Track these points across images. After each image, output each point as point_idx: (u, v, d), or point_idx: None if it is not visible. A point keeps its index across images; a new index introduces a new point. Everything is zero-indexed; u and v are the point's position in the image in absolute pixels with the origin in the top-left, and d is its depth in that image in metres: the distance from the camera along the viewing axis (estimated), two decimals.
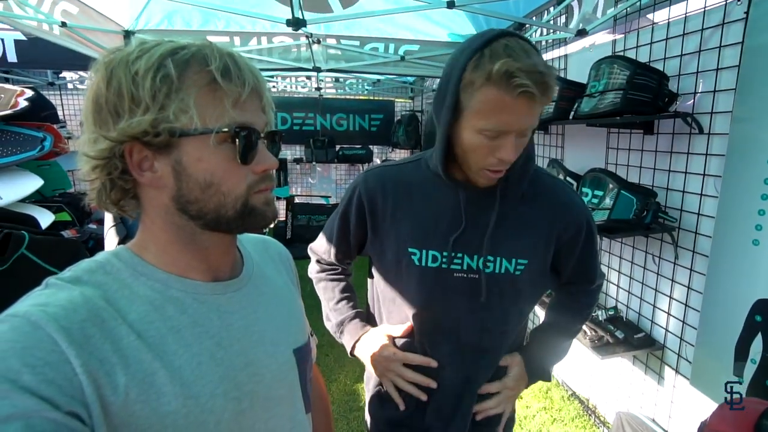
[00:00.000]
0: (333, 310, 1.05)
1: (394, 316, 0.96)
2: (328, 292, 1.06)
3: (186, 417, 0.48)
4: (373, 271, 1.00)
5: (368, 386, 1.06)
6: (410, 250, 0.88)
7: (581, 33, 2.09)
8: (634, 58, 1.73)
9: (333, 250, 1.03)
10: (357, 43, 3.13)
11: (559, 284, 0.99)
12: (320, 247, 1.07)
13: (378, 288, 1.00)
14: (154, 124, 0.48)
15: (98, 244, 3.95)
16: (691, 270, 1.60)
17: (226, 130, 0.51)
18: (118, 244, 2.02)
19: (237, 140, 0.51)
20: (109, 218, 2.08)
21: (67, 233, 2.52)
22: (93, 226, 4.32)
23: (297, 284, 0.78)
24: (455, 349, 0.91)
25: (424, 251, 0.87)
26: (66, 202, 2.77)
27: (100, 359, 0.45)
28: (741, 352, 1.31)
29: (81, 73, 4.91)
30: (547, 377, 1.03)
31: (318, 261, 1.10)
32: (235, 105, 0.51)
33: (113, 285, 0.51)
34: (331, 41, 3.09)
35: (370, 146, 5.88)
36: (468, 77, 0.72)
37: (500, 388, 0.95)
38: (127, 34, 2.61)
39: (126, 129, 0.48)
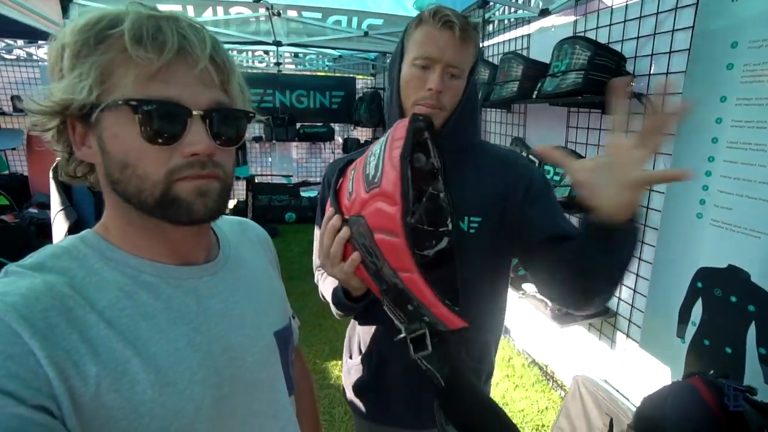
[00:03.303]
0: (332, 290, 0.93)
1: None
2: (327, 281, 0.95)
3: (163, 405, 0.47)
4: None
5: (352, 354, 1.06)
6: None
7: (544, 12, 2.13)
8: (595, 39, 1.78)
9: None
10: (319, 15, 3.02)
11: (538, 247, 0.88)
12: (317, 263, 1.05)
13: None
14: (64, 96, 0.46)
15: (40, 230, 3.68)
16: (642, 242, 1.71)
17: (120, 102, 0.45)
18: (69, 228, 1.89)
19: (138, 115, 0.45)
20: (56, 201, 1.92)
21: (4, 218, 2.33)
22: (33, 210, 4.02)
23: (276, 266, 0.76)
24: None
25: None
26: (1, 184, 2.56)
27: (67, 350, 0.42)
28: (683, 316, 1.44)
29: (7, 40, 4.45)
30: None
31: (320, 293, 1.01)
32: (153, 75, 0.46)
33: (80, 271, 0.48)
34: (293, 13, 2.97)
35: (332, 124, 5.77)
36: (409, 29, 0.88)
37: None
38: (65, 1, 2.38)
39: (48, 101, 0.47)
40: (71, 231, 1.79)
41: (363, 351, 1.00)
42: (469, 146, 0.94)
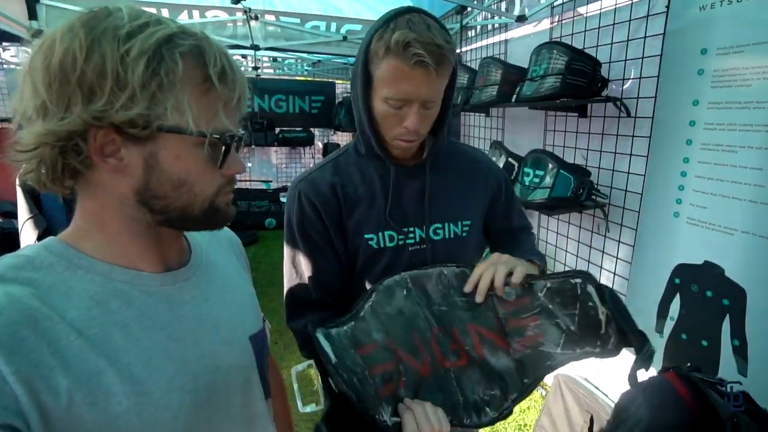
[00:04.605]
0: None
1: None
2: None
3: (139, 415, 0.46)
4: None
5: None
6: (367, 236, 0.89)
7: (521, 19, 2.18)
8: (571, 44, 1.83)
9: (312, 281, 0.90)
10: (297, 20, 3.01)
11: (492, 236, 1.07)
12: (296, 297, 0.92)
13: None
14: (145, 117, 0.45)
15: (4, 240, 3.50)
16: (619, 242, 1.76)
17: (218, 137, 0.50)
18: (38, 237, 1.81)
19: (224, 147, 0.51)
20: (23, 209, 1.84)
21: None
22: None
23: (248, 269, 0.76)
24: None
25: (380, 234, 0.90)
26: None
27: (35, 364, 0.41)
28: (662, 311, 1.49)
29: None
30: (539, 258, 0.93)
31: (300, 332, 0.91)
32: (224, 109, 0.50)
33: (46, 281, 0.46)
34: (270, 18, 2.95)
35: (312, 129, 5.74)
36: (373, 48, 0.78)
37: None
38: (31, 1, 2.30)
39: (103, 113, 0.44)
40: (41, 239, 1.71)
41: None
42: (447, 151, 0.97)
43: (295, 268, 0.92)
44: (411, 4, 2.73)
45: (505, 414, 0.76)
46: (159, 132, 0.46)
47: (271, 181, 5.84)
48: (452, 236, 0.93)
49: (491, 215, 1.03)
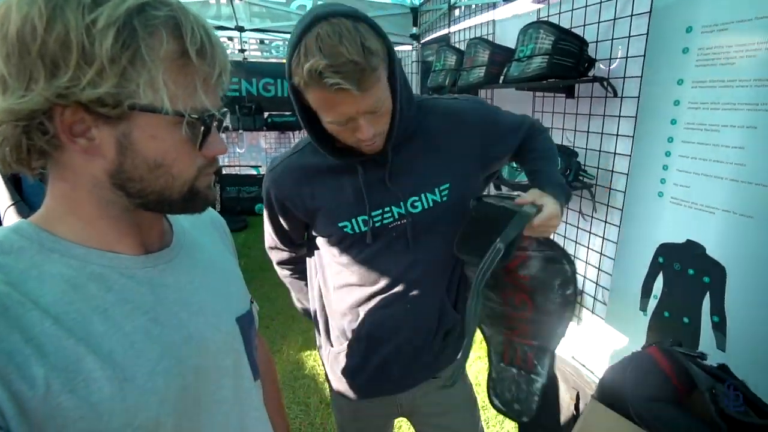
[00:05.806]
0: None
1: (339, 279, 1.00)
2: (294, 285, 1.24)
3: (123, 400, 0.45)
4: (317, 242, 1.02)
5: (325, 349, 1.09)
6: (340, 224, 0.91)
7: None
8: (558, 24, 1.81)
9: (278, 241, 1.10)
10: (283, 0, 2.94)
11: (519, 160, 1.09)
12: (269, 240, 1.12)
13: (321, 257, 1.03)
14: (114, 95, 0.42)
15: None
16: (605, 222, 1.77)
17: (196, 117, 0.47)
18: None
19: (203, 127, 0.48)
20: (4, 196, 1.80)
21: None
22: None
23: (233, 251, 0.75)
24: (402, 295, 0.96)
25: (353, 220, 0.91)
26: None
27: (7, 353, 0.40)
28: (646, 290, 1.51)
29: None
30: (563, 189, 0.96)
31: (278, 263, 1.19)
32: (203, 86, 0.47)
33: (17, 266, 0.44)
34: None
35: None
36: (294, 79, 0.74)
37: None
38: None
39: (68, 90, 0.41)
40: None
41: (349, 337, 1.01)
42: (414, 118, 0.92)
43: (267, 227, 1.09)
44: None
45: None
46: (131, 111, 0.44)
47: (260, 166, 5.79)
48: (431, 204, 0.93)
49: (496, 152, 1.01)
